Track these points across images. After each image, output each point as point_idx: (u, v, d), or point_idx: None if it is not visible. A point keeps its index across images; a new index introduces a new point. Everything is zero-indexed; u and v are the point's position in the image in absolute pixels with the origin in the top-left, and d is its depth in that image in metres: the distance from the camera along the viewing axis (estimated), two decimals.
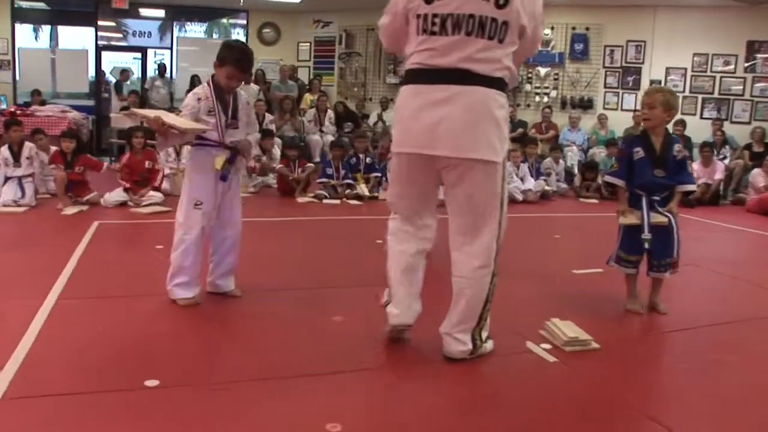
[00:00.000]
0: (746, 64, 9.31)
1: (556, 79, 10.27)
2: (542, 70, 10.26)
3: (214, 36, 12.59)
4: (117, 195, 5.89)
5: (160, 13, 11.52)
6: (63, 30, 11.73)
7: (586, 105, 10.17)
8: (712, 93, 9.54)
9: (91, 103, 11.07)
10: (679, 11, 9.39)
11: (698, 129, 9.09)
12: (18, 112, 7.91)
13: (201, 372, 2.37)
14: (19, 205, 5.55)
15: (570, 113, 10.02)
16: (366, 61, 11.50)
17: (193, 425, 2.00)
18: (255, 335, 2.81)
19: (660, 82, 9.64)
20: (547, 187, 7.81)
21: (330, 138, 9.42)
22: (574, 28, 10.04)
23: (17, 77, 10.69)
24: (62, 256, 3.90)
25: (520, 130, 9.53)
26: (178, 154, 6.84)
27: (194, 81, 10.06)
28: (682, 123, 8.77)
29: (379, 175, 7.39)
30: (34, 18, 11.44)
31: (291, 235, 5.19)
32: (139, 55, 11.91)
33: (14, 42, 10.70)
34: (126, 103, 9.56)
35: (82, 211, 5.52)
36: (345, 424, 2.02)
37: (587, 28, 9.99)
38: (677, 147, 3.26)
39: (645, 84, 9.78)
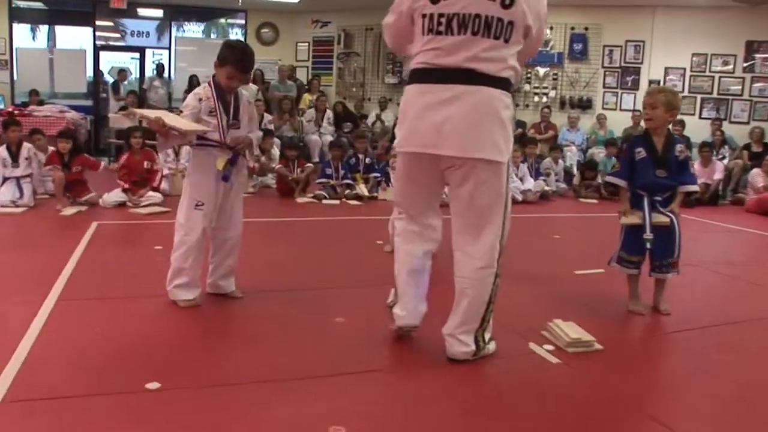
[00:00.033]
0: (745, 64, 9.32)
1: (555, 79, 10.27)
2: (541, 70, 10.25)
3: (212, 36, 12.57)
4: (116, 195, 5.87)
5: (159, 13, 11.50)
6: (61, 30, 11.71)
7: (585, 105, 10.17)
8: (710, 93, 9.54)
9: (89, 103, 11.05)
10: (677, 11, 9.39)
11: (697, 129, 9.10)
12: (16, 112, 7.88)
13: (202, 374, 2.35)
14: (18, 206, 5.52)
15: (569, 113, 10.02)
16: (365, 61, 11.48)
17: (194, 429, 1.99)
18: (256, 337, 2.79)
19: (659, 82, 9.64)
20: (546, 188, 7.80)
21: (329, 138, 9.41)
22: (572, 28, 10.04)
23: (15, 77, 10.65)
24: (61, 256, 3.88)
25: (519, 130, 9.52)
26: (176, 154, 6.83)
27: (192, 81, 10.06)
28: (681, 123, 8.77)
29: (379, 175, 7.39)
30: (32, 18, 11.42)
31: (291, 236, 5.17)
32: (137, 55, 11.89)
33: (12, 42, 10.66)
34: (124, 103, 9.54)
35: (81, 212, 5.50)
36: (348, 427, 2.01)
37: (586, 28, 9.99)
38: (679, 147, 3.26)
39: (644, 84, 9.79)
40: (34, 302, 3.01)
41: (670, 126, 3.42)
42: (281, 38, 12.05)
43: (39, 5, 11.35)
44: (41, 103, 9.29)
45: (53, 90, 11.00)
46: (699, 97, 9.57)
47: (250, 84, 9.66)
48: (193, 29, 12.39)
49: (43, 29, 11.62)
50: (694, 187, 3.31)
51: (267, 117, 9.12)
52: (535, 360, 2.67)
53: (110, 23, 11.50)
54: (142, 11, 11.42)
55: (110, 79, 11.11)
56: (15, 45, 10.74)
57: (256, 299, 3.27)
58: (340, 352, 2.64)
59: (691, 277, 4.09)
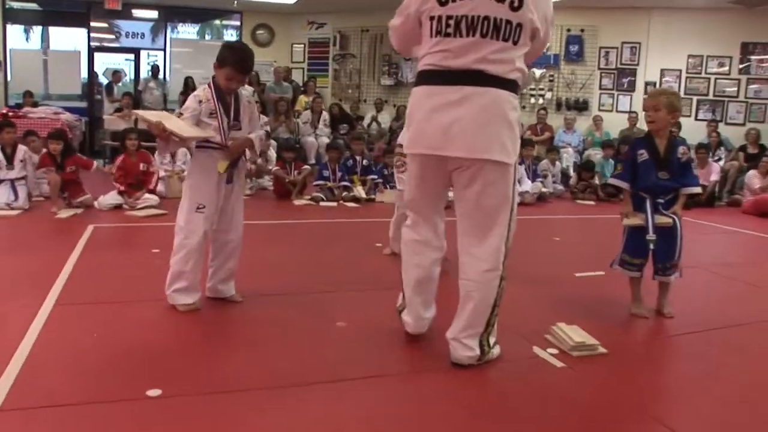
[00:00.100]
0: (740, 66, 9.36)
1: (551, 81, 10.27)
2: (537, 72, 10.25)
3: (207, 37, 12.52)
4: (111, 198, 5.82)
5: (153, 14, 11.44)
6: (55, 31, 11.63)
7: (581, 106, 10.19)
8: (706, 95, 9.58)
9: (83, 104, 10.98)
10: (673, 13, 9.42)
11: (693, 131, 9.12)
12: (10, 114, 7.82)
13: (203, 380, 2.32)
14: (13, 209, 5.47)
15: (565, 115, 10.03)
16: (360, 63, 11.47)
17: None
18: (256, 341, 2.76)
19: (655, 84, 9.68)
20: (543, 189, 7.80)
21: (325, 140, 9.38)
22: (569, 30, 10.05)
23: (8, 78, 10.58)
24: (58, 260, 3.83)
25: None
26: (173, 156, 6.78)
27: (188, 83, 10.01)
28: (677, 125, 8.78)
29: (376, 177, 7.36)
30: (25, 19, 11.34)
31: (289, 238, 5.14)
32: (131, 56, 11.84)
33: (5, 43, 10.59)
34: (119, 104, 9.49)
35: (77, 215, 5.45)
36: None
37: (582, 30, 10.01)
38: (681, 149, 3.25)
39: (640, 85, 9.83)
40: (32, 306, 2.97)
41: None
42: (276, 40, 12.02)
43: (33, 6, 11.29)
44: (35, 104, 9.23)
45: (47, 91, 10.93)
46: (695, 98, 9.60)
47: (246, 85, 9.61)
48: (188, 30, 12.33)
49: (37, 30, 11.54)
50: (697, 189, 3.30)
51: (263, 119, 9.07)
52: (539, 364, 2.65)
53: (105, 24, 11.44)
54: (137, 12, 11.36)
55: (105, 81, 11.06)
56: (8, 46, 10.67)
57: (256, 303, 3.24)
58: (341, 357, 2.62)
59: (690, 278, 4.06)
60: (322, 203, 6.80)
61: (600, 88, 10.13)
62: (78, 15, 11.05)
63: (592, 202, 7.97)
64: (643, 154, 3.23)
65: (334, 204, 6.83)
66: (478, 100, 2.31)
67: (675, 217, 3.21)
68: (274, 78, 10.79)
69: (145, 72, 11.53)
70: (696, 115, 9.60)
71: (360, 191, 7.11)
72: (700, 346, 2.99)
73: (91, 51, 11.18)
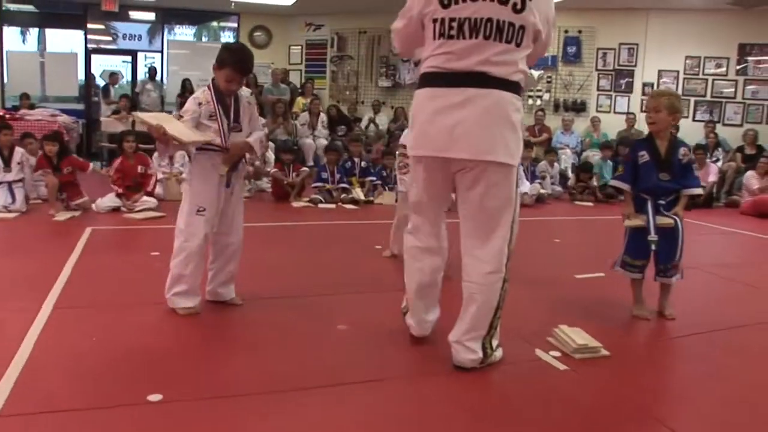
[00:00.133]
0: (738, 67, 9.37)
1: (548, 82, 10.27)
2: (535, 73, 10.20)
3: (204, 39, 12.50)
4: (109, 200, 5.80)
5: (151, 16, 11.42)
6: (51, 33, 11.60)
7: (579, 108, 10.18)
8: (704, 96, 9.59)
9: (80, 106, 10.96)
10: (671, 14, 9.42)
11: (691, 132, 9.09)
12: (7, 116, 7.78)
13: (204, 385, 2.30)
14: (10, 211, 5.44)
15: (563, 116, 10.03)
16: (358, 65, 11.46)
17: None
18: (257, 345, 2.74)
19: (652, 85, 9.69)
20: (542, 191, 7.79)
21: (323, 142, 9.37)
22: (566, 31, 10.05)
23: (5, 81, 10.54)
24: (56, 263, 3.81)
25: None
26: (171, 158, 6.75)
27: (186, 85, 9.99)
28: (674, 126, 8.78)
29: (375, 179, 7.35)
30: (22, 21, 11.31)
31: (288, 241, 5.12)
32: (129, 58, 11.81)
33: (2, 45, 10.56)
34: (116, 106, 9.46)
35: (75, 217, 5.42)
36: None
37: (580, 31, 10.00)
38: (683, 150, 3.24)
39: (638, 87, 9.84)
40: (30, 310, 2.94)
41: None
42: (274, 41, 12.00)
43: (29, 8, 11.25)
44: (32, 106, 9.18)
45: (44, 93, 10.90)
46: (692, 99, 9.61)
47: (243, 87, 9.59)
48: (185, 32, 12.31)
49: (34, 32, 11.51)
50: (698, 190, 3.29)
51: (260, 120, 9.05)
52: (541, 366, 2.64)
53: (101, 26, 11.41)
54: (134, 14, 11.33)
55: (102, 83, 11.04)
56: (5, 48, 10.64)
57: (256, 306, 3.22)
58: (342, 360, 2.60)
59: (690, 279, 4.05)
60: (320, 205, 6.79)
61: (598, 90, 10.13)
62: (75, 17, 11.01)
63: (590, 203, 7.98)
64: (644, 156, 3.22)
65: (333, 206, 6.82)
66: (481, 101, 2.31)
67: (677, 218, 3.20)
68: (271, 80, 10.76)
69: (142, 74, 11.51)
70: (693, 116, 9.61)
71: (359, 193, 7.09)
72: (702, 348, 2.99)
73: (88, 53, 11.15)
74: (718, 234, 6.34)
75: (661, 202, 3.22)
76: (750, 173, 7.94)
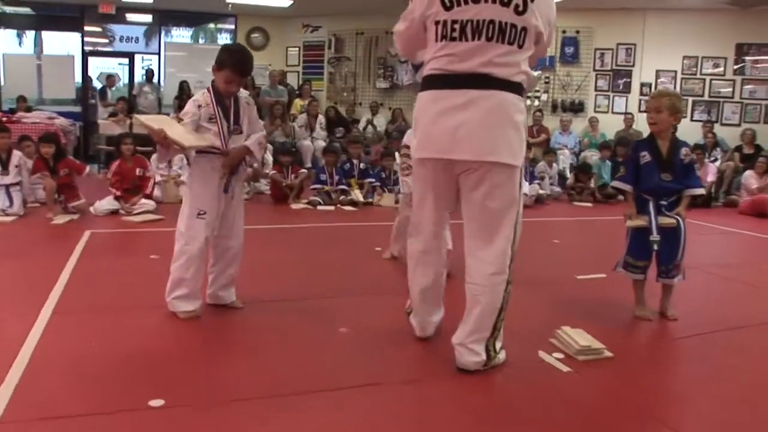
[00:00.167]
0: (735, 67, 9.39)
1: (546, 83, 10.27)
2: (534, 74, 10.22)
3: (201, 41, 12.47)
4: (108, 203, 5.78)
5: (147, 18, 11.40)
6: (48, 35, 11.58)
7: (577, 108, 10.19)
8: (702, 96, 9.61)
9: (78, 109, 10.93)
10: (668, 14, 9.44)
11: (689, 132, 9.08)
12: (4, 119, 7.75)
13: (205, 390, 2.28)
14: (8, 215, 5.41)
15: (561, 116, 10.04)
16: (355, 66, 11.44)
17: None
18: (259, 349, 2.72)
19: (650, 85, 9.71)
20: (541, 191, 7.79)
21: (321, 143, 9.34)
22: (564, 32, 10.06)
23: (2, 83, 10.51)
24: (55, 267, 3.79)
25: None
26: (169, 161, 6.72)
27: (183, 87, 9.97)
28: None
29: (374, 180, 7.33)
30: (18, 23, 11.29)
31: (287, 243, 5.10)
32: (126, 60, 11.78)
33: None
34: (113, 109, 9.44)
35: (73, 220, 5.40)
36: None
37: (577, 32, 10.02)
38: (684, 151, 3.24)
39: (635, 87, 9.85)
40: (29, 315, 2.92)
41: None
42: (271, 43, 11.99)
43: (26, 11, 11.21)
44: (29, 109, 9.15)
45: (41, 96, 10.86)
46: (690, 99, 9.62)
47: (241, 89, 9.57)
48: (182, 34, 12.28)
49: (30, 35, 11.48)
50: (701, 191, 3.29)
51: (260, 122, 9.03)
52: (545, 368, 2.63)
53: (98, 29, 11.40)
54: (131, 16, 11.31)
55: (99, 85, 11.01)
56: (2, 51, 10.61)
57: (256, 309, 3.20)
58: (344, 364, 2.58)
59: (690, 279, 4.04)
60: (319, 207, 6.77)
61: (595, 90, 10.14)
62: (71, 19, 11.00)
63: (589, 204, 7.97)
64: (646, 156, 3.22)
65: (332, 208, 6.80)
66: (484, 103, 2.31)
67: (679, 218, 3.19)
68: (269, 81, 10.75)
69: (139, 76, 11.49)
70: (691, 116, 9.62)
71: (358, 195, 7.08)
72: (703, 349, 2.98)
73: (84, 55, 11.14)
74: (717, 234, 6.34)
75: (663, 202, 3.21)
76: (749, 173, 7.94)
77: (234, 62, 2.92)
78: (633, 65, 9.85)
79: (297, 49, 11.99)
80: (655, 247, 3.16)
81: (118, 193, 5.83)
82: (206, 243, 2.96)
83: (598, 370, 2.63)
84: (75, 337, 2.72)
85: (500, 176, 2.37)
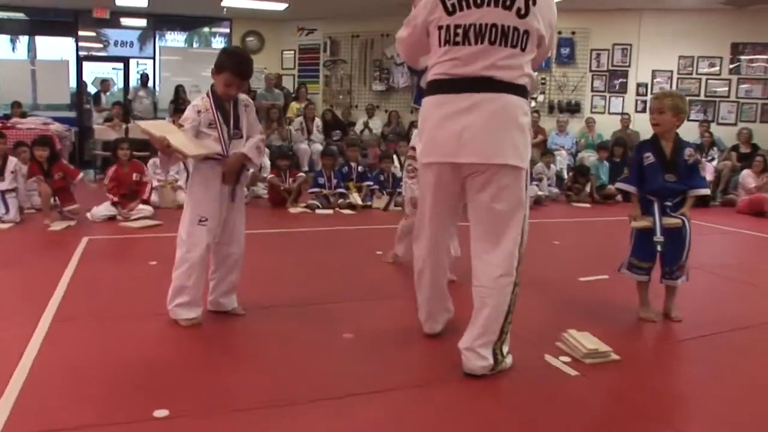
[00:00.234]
0: (731, 66, 9.40)
1: (543, 84, 10.25)
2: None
3: (195, 45, 12.42)
4: (105, 209, 5.73)
5: (142, 22, 11.34)
6: (42, 40, 11.51)
7: (573, 109, 10.18)
8: (698, 95, 9.61)
9: (72, 114, 10.86)
10: (664, 14, 9.45)
11: (685, 131, 9.02)
12: None
13: (210, 400, 2.25)
14: (4, 222, 5.37)
15: (558, 117, 10.03)
16: (351, 69, 11.42)
17: None
18: (261, 356, 2.69)
19: (646, 85, 9.71)
20: (539, 192, 7.78)
21: (318, 147, 9.31)
22: (560, 33, 10.02)
23: None
24: (53, 274, 3.74)
25: None
26: None
27: (179, 91, 9.93)
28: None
29: (372, 183, 7.30)
30: (12, 28, 11.21)
31: (287, 247, 5.07)
32: (120, 65, 11.73)
33: None
34: (107, 113, 9.38)
35: (70, 227, 5.35)
36: None
37: (573, 32, 10.01)
38: (688, 151, 3.23)
39: (632, 87, 9.85)
40: (28, 324, 2.88)
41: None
42: (267, 46, 11.95)
43: (20, 16, 11.15)
44: (24, 115, 9.09)
45: (36, 102, 10.79)
46: (686, 99, 9.59)
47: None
48: (177, 38, 12.23)
49: (24, 40, 11.41)
50: (705, 191, 3.28)
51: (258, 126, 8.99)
52: (552, 372, 2.61)
53: (93, 33, 11.33)
54: (125, 21, 11.26)
55: (94, 90, 10.95)
56: None
57: (258, 315, 3.17)
58: (349, 370, 2.55)
59: (692, 279, 4.02)
60: (317, 211, 6.73)
61: (592, 90, 10.13)
62: (65, 24, 10.94)
63: (587, 205, 7.97)
64: (650, 157, 3.20)
65: (330, 211, 6.77)
66: (488, 106, 2.32)
67: (684, 218, 3.18)
68: (265, 85, 10.71)
69: (134, 81, 11.43)
70: (688, 116, 9.59)
71: (356, 198, 7.05)
72: (708, 350, 2.97)
73: (79, 60, 11.07)
74: (716, 233, 6.34)
75: (668, 203, 3.20)
76: (746, 172, 7.96)
77: (233, 64, 2.89)
78: (629, 65, 9.85)
79: (292, 52, 11.96)
80: (659, 248, 3.14)
81: (116, 199, 5.79)
82: (208, 250, 2.93)
83: (605, 373, 2.62)
84: (75, 347, 2.69)
85: (507, 178, 2.37)
